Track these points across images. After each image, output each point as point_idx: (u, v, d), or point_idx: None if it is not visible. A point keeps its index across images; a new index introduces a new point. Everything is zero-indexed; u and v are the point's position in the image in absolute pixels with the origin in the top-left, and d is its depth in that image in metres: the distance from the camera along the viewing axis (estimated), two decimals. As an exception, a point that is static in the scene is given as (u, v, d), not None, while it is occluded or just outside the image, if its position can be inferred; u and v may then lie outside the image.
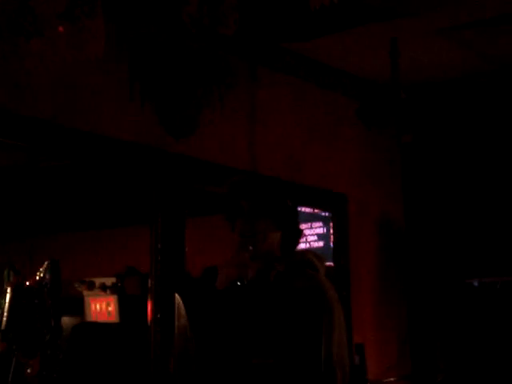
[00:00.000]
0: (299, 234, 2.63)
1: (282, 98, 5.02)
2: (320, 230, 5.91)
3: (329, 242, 5.71)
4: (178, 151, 4.34)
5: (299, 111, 5.13)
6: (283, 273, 2.50)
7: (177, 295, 2.57)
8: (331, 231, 5.58)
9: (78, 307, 6.17)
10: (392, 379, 5.50)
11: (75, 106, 3.82)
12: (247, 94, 4.77)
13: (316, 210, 5.65)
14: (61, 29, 3.57)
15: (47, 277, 5.31)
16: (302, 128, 5.13)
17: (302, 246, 6.03)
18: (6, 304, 5.42)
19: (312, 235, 5.95)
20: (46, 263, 5.30)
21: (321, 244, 5.97)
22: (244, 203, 2.51)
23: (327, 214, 5.62)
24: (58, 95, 3.73)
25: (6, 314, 5.38)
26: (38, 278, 5.28)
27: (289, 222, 2.60)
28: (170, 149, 4.29)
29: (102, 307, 6.21)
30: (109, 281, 6.12)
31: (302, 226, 6.12)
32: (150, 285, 4.39)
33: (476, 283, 5.53)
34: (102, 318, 6.21)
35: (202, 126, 4.42)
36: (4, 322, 5.34)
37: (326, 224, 5.81)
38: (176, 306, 2.55)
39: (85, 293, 6.16)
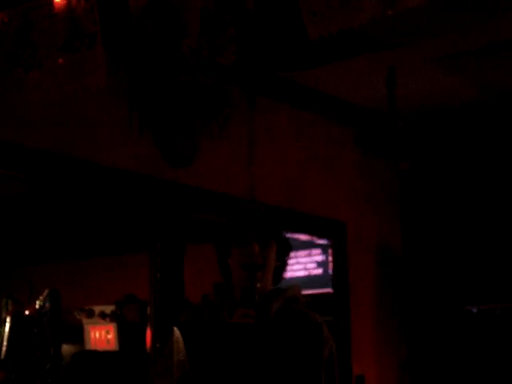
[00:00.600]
0: (286, 266, 2.63)
1: (280, 126, 5.05)
2: (319, 258, 5.94)
3: (327, 269, 5.73)
4: (177, 180, 4.36)
5: (297, 139, 5.16)
6: (281, 310, 2.50)
7: (175, 329, 2.55)
8: (330, 258, 5.60)
9: (77, 335, 6.18)
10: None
11: (75, 136, 3.85)
12: (246, 122, 4.80)
13: (314, 238, 5.66)
14: (60, 61, 3.61)
15: (47, 305, 5.32)
16: (300, 155, 5.16)
17: (299, 273, 6.05)
18: (6, 333, 5.42)
19: (311, 262, 5.97)
20: (45, 291, 5.31)
21: (320, 271, 5.98)
22: (253, 232, 2.47)
23: (326, 241, 5.64)
24: (57, 126, 3.76)
25: (5, 343, 5.38)
26: (37, 306, 5.29)
27: (287, 253, 2.60)
28: (168, 177, 4.31)
29: (102, 335, 6.22)
30: (108, 309, 6.14)
31: (301, 254, 6.14)
32: (149, 313, 4.40)
33: (475, 310, 5.53)
34: (102, 346, 6.21)
35: (201, 154, 4.45)
36: (3, 352, 5.34)
37: (324, 251, 5.83)
38: (174, 340, 2.53)
39: (84, 321, 6.18)
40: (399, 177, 5.71)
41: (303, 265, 6.06)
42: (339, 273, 5.40)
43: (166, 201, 4.35)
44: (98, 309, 6.01)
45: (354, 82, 5.05)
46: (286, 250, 2.58)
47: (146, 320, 4.73)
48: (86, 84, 3.83)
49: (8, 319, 5.48)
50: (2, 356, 5.33)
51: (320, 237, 5.57)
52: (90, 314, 6.07)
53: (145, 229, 4.52)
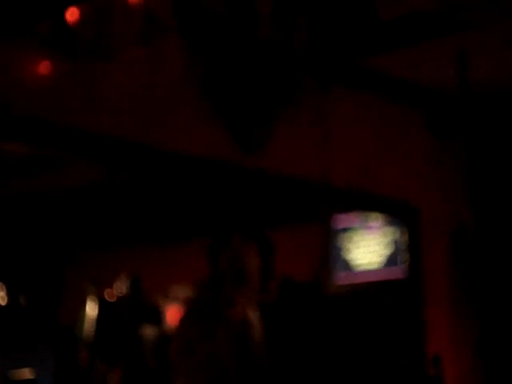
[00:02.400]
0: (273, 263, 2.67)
1: (353, 111, 5.07)
2: (391, 241, 5.92)
3: (400, 252, 5.72)
4: (250, 166, 4.40)
5: (370, 123, 5.17)
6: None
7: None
8: (402, 242, 5.60)
9: (157, 317, 6.31)
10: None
11: (150, 124, 3.93)
12: (319, 107, 4.82)
13: (387, 222, 5.67)
14: (137, 50, 3.72)
15: (128, 288, 5.45)
16: (373, 140, 5.17)
17: (373, 256, 6.05)
18: (91, 317, 5.58)
19: (383, 246, 5.95)
20: (126, 275, 5.46)
21: (392, 254, 5.96)
22: (237, 235, 2.50)
23: (398, 225, 5.63)
24: (133, 114, 3.85)
25: (88, 325, 5.55)
26: (119, 290, 5.43)
27: (270, 251, 2.64)
28: (242, 164, 4.35)
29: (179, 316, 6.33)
30: (185, 290, 6.25)
31: (373, 237, 6.14)
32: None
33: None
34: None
35: (274, 140, 4.50)
36: (86, 334, 5.50)
37: (397, 235, 5.81)
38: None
39: (163, 303, 6.30)
40: (471, 159, 5.66)
41: (375, 248, 6.05)
42: (413, 257, 5.41)
43: (239, 186, 4.42)
44: (175, 291, 6.13)
45: (424, 65, 5.02)
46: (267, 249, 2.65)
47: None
48: (162, 72, 3.95)
49: (92, 303, 5.65)
50: (85, 338, 5.49)
51: (394, 221, 5.58)
52: (169, 296, 6.20)
53: (220, 212, 4.60)
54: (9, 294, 6.49)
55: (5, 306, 6.29)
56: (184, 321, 2.61)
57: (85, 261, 7.22)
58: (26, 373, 6.12)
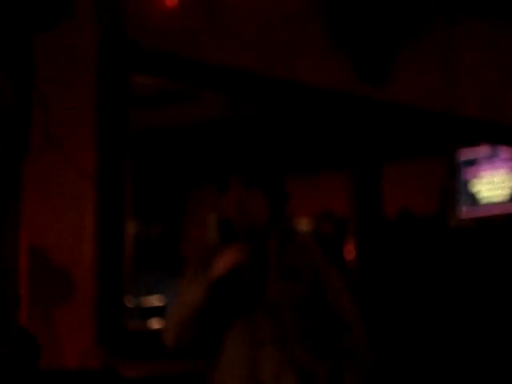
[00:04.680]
0: (287, 199, 2.53)
1: (478, 38, 4.89)
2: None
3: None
4: (373, 97, 4.35)
5: (495, 50, 4.98)
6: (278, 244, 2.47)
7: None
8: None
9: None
10: None
11: (274, 57, 3.92)
12: (442, 36, 4.68)
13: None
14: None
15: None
16: (499, 67, 4.98)
17: (498, 190, 5.88)
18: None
19: (509, 179, 5.79)
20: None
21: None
22: (237, 177, 2.40)
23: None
24: (259, 48, 3.85)
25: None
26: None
27: (278, 190, 2.51)
28: (365, 95, 4.31)
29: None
30: (306, 222, 6.32)
31: (500, 169, 5.96)
32: (349, 228, 4.49)
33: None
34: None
35: (397, 71, 4.41)
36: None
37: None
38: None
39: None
40: None
41: (501, 181, 5.88)
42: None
43: (362, 118, 4.37)
44: (296, 222, 6.18)
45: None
46: (277, 193, 2.49)
47: (343, 235, 4.81)
48: (287, 4, 3.91)
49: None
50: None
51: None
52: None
53: (342, 146, 4.58)
54: (141, 224, 6.69)
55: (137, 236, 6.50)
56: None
57: (206, 194, 7.33)
58: (155, 300, 6.34)
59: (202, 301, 2.38)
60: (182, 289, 2.49)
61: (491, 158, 5.83)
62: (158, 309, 5.99)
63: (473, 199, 5.90)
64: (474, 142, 5.50)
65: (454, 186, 5.96)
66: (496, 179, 5.80)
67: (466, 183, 5.92)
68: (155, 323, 5.16)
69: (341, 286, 2.53)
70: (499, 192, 5.80)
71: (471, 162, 5.91)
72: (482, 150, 5.82)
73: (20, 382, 2.60)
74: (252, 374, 2.40)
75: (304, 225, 6.24)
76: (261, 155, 2.48)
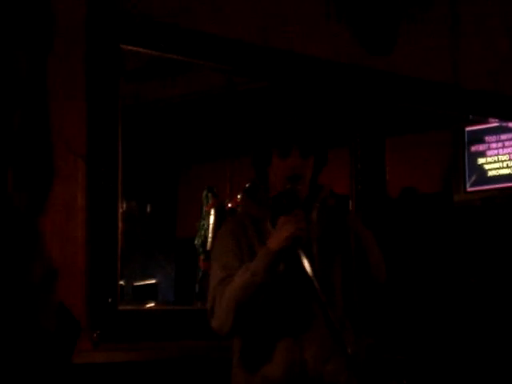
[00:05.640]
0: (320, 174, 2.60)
1: (487, 6, 4.72)
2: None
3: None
4: (376, 67, 4.21)
5: (504, 21, 4.82)
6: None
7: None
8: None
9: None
10: None
11: (276, 28, 3.79)
12: (449, 3, 4.53)
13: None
14: None
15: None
16: (507, 38, 4.82)
17: (505, 164, 5.76)
18: (210, 225, 5.59)
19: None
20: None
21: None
22: (297, 145, 2.44)
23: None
24: (258, 18, 3.71)
25: (210, 234, 5.56)
26: (238, 199, 5.38)
27: (323, 165, 2.58)
28: (367, 65, 4.17)
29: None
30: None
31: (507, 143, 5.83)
32: (350, 207, 4.36)
33: None
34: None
35: (401, 40, 4.27)
36: (209, 243, 5.53)
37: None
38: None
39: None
40: None
41: (507, 155, 5.76)
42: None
43: (365, 90, 4.22)
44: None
45: None
46: (323, 162, 2.56)
47: (346, 211, 4.68)
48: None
49: (212, 212, 5.65)
50: (208, 247, 5.53)
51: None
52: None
53: (343, 121, 4.43)
54: (137, 204, 6.60)
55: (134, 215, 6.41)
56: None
57: (203, 170, 7.21)
58: (149, 281, 6.27)
59: (265, 276, 2.27)
60: (225, 269, 2.38)
61: (499, 133, 5.70)
62: (152, 289, 5.90)
63: (479, 175, 5.77)
64: (481, 116, 5.34)
65: (460, 161, 5.83)
66: (503, 155, 5.68)
67: (472, 158, 5.79)
68: (149, 303, 5.07)
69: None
70: (506, 168, 5.67)
71: (478, 137, 5.78)
72: (490, 124, 5.68)
73: (61, 359, 2.57)
74: (296, 359, 2.32)
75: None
76: (316, 125, 2.54)
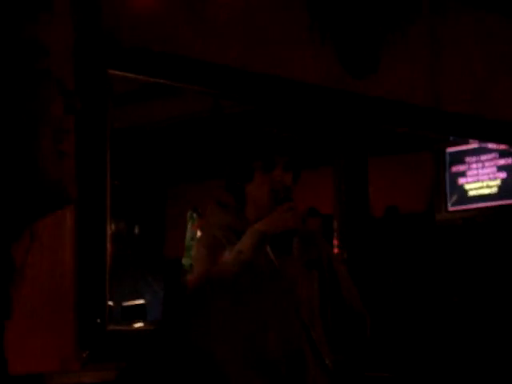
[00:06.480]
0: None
1: (465, 30, 4.82)
2: (506, 168, 5.71)
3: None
4: (359, 91, 4.28)
5: (484, 43, 4.91)
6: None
7: None
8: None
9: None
10: None
11: (258, 52, 3.84)
12: (428, 28, 4.62)
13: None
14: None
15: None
16: (487, 61, 4.92)
17: (486, 184, 5.84)
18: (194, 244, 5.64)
19: (497, 173, 5.74)
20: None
21: (506, 181, 5.75)
22: (281, 158, 2.44)
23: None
24: (240, 42, 3.77)
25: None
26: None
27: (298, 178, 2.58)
28: (350, 89, 4.24)
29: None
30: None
31: (487, 164, 5.91)
32: (334, 226, 4.42)
33: None
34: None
35: (383, 64, 4.34)
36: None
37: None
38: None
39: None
40: None
41: (488, 175, 5.85)
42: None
43: (348, 112, 4.30)
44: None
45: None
46: (298, 176, 2.57)
47: (331, 232, 4.75)
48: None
49: (198, 232, 5.70)
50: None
51: (510, 144, 5.33)
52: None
53: (327, 141, 4.51)
54: (126, 224, 6.63)
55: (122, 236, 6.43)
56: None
57: (187, 190, 7.27)
58: (137, 301, 6.28)
59: (250, 255, 2.32)
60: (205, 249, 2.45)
61: (479, 153, 5.79)
62: (141, 309, 5.93)
63: (460, 195, 5.85)
64: (461, 137, 5.44)
65: (442, 182, 5.91)
66: (483, 175, 5.76)
67: (453, 179, 5.88)
68: (137, 324, 5.10)
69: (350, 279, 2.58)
70: (486, 188, 5.76)
71: (459, 158, 5.86)
72: (470, 145, 5.77)
73: None
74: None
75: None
76: (296, 141, 2.55)
